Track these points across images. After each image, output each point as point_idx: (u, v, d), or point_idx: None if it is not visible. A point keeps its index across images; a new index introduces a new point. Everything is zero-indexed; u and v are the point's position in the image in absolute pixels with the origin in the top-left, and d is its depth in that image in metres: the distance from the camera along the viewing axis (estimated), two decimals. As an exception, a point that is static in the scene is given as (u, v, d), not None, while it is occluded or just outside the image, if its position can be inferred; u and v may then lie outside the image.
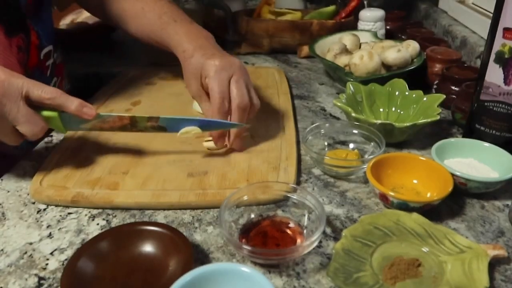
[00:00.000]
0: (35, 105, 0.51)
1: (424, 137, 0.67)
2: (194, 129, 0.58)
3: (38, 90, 0.50)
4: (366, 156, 0.60)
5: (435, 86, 0.77)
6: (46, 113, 0.52)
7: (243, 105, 0.58)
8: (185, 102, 0.68)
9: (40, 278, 0.43)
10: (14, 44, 0.61)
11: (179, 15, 0.69)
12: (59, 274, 0.43)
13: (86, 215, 0.51)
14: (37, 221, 0.50)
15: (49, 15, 0.70)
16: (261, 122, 0.69)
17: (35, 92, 0.50)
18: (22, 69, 0.62)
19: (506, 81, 0.55)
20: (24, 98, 0.49)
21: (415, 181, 0.54)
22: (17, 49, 0.61)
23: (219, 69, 0.58)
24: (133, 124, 0.57)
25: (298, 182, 0.57)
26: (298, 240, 0.46)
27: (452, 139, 0.59)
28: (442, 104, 0.65)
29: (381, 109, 0.71)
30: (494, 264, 0.44)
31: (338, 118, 0.74)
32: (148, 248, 0.44)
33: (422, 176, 0.54)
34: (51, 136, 0.67)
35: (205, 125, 0.58)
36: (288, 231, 0.47)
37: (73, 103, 0.52)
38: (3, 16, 0.59)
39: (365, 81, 0.73)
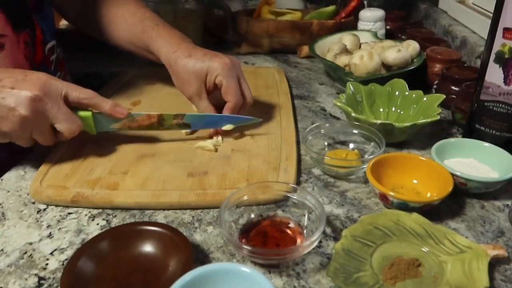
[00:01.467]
0: (71, 106, 0.55)
1: (424, 137, 0.67)
2: (229, 127, 0.63)
3: (76, 91, 0.55)
4: (366, 156, 0.60)
5: (435, 86, 0.77)
6: (81, 113, 0.57)
7: (251, 102, 0.65)
8: (185, 102, 0.68)
9: (40, 278, 0.43)
10: (22, 39, 0.62)
11: (162, 21, 0.72)
12: (59, 274, 0.43)
13: (86, 215, 0.51)
14: (37, 221, 0.50)
15: (51, 11, 0.71)
16: (261, 122, 0.69)
17: (73, 93, 0.54)
18: (29, 64, 0.63)
19: (506, 81, 0.55)
20: (63, 98, 0.53)
21: (415, 181, 0.54)
22: (24, 44, 0.62)
23: (231, 68, 0.62)
24: (160, 123, 0.61)
25: (298, 182, 0.57)
26: (298, 240, 0.46)
27: (452, 139, 0.59)
28: (442, 104, 0.65)
29: (381, 109, 0.71)
30: (494, 264, 0.44)
31: (338, 118, 0.74)
32: (148, 248, 0.44)
33: (422, 176, 0.54)
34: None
35: (228, 121, 0.63)
36: (288, 231, 0.47)
37: (107, 103, 0.57)
38: (11, 12, 0.60)
39: (365, 81, 0.73)
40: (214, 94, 0.65)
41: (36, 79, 0.52)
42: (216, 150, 0.61)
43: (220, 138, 0.63)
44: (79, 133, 0.56)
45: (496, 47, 0.55)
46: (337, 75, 0.84)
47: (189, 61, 0.63)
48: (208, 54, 0.63)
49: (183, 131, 0.65)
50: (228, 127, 0.63)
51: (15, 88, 0.50)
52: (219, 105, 0.65)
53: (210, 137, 0.64)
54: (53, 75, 0.69)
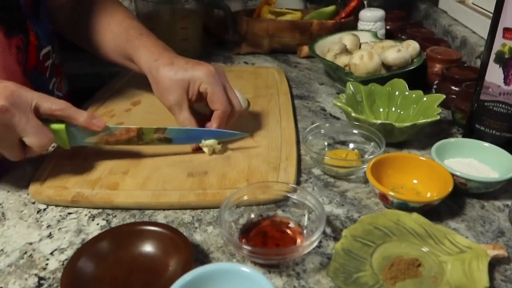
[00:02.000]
0: (42, 119, 0.50)
1: (424, 137, 0.67)
2: (211, 142, 0.59)
3: (48, 102, 0.50)
4: (366, 156, 0.60)
5: (435, 86, 0.77)
6: (54, 125, 0.52)
7: (240, 110, 0.62)
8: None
9: (40, 278, 0.43)
10: (13, 44, 0.61)
11: (147, 31, 0.70)
12: (59, 274, 0.43)
13: (86, 215, 0.51)
14: (37, 221, 0.50)
15: (47, 16, 0.70)
16: (261, 122, 0.69)
17: (45, 104, 0.50)
18: (20, 70, 0.62)
19: (506, 81, 0.55)
20: (33, 110, 0.49)
21: (415, 181, 0.54)
22: (16, 49, 0.61)
23: (215, 75, 0.60)
24: (139, 137, 0.57)
25: (298, 182, 0.57)
26: (298, 240, 0.46)
27: (452, 139, 0.59)
28: (442, 104, 0.65)
29: (381, 109, 0.71)
30: (494, 264, 0.44)
31: (338, 118, 0.74)
32: (148, 248, 0.44)
33: (422, 176, 0.54)
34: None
35: (212, 136, 0.59)
36: (288, 231, 0.47)
37: (82, 115, 0.52)
38: (3, 17, 0.59)
39: (365, 81, 0.73)
40: (196, 107, 0.64)
41: (3, 89, 0.47)
42: (211, 154, 0.60)
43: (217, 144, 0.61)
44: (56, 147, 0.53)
45: (496, 47, 0.55)
46: (337, 75, 0.84)
47: (171, 69, 0.61)
48: (191, 62, 0.61)
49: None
50: (211, 142, 0.59)
51: None
52: (202, 119, 0.62)
53: (195, 150, 0.61)
54: (47, 81, 0.69)
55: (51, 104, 0.50)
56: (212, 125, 0.60)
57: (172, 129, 0.58)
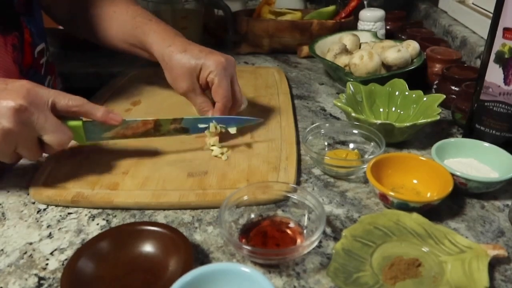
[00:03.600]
0: (59, 116, 0.50)
1: (424, 137, 0.67)
2: (232, 129, 0.60)
3: (65, 98, 0.50)
4: (366, 156, 0.60)
5: (435, 86, 0.77)
6: (71, 122, 0.52)
7: (241, 104, 0.65)
8: (185, 102, 0.68)
9: (40, 278, 0.43)
10: (9, 42, 0.60)
11: (153, 16, 0.70)
12: (59, 274, 0.43)
13: (86, 215, 0.51)
14: (37, 221, 0.50)
15: (40, 13, 0.70)
16: (261, 122, 0.69)
17: (62, 101, 0.50)
18: (17, 68, 0.62)
19: (506, 81, 0.55)
20: (50, 107, 0.49)
21: (415, 181, 0.54)
22: (12, 47, 0.61)
23: (226, 67, 0.61)
24: (156, 129, 0.57)
25: (298, 182, 0.57)
26: (298, 240, 0.46)
27: (452, 139, 0.59)
28: (442, 104, 0.65)
29: (381, 109, 0.71)
30: (494, 264, 0.44)
31: (338, 118, 0.74)
32: (148, 248, 0.44)
33: (422, 176, 0.54)
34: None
35: (227, 122, 0.60)
36: (288, 231, 0.47)
37: (99, 110, 0.53)
38: None
39: (365, 81, 0.73)
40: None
41: (19, 87, 0.47)
42: (222, 154, 0.60)
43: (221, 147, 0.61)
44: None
45: (496, 47, 0.55)
46: (337, 75, 0.84)
47: (184, 56, 0.61)
48: (204, 51, 0.62)
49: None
50: (231, 130, 0.61)
51: None
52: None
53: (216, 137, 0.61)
54: (43, 79, 0.69)
55: (68, 100, 0.50)
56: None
57: (189, 118, 0.58)
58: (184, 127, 0.59)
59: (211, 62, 0.60)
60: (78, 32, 0.79)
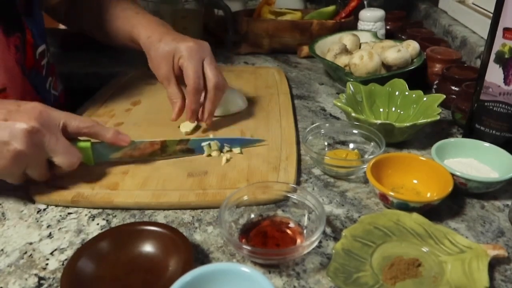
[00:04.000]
0: (68, 137, 0.51)
1: (424, 137, 0.67)
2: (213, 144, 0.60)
3: (75, 120, 0.51)
4: (366, 156, 0.60)
5: (435, 86, 0.77)
6: (81, 144, 0.53)
7: (220, 85, 0.63)
8: (185, 102, 0.69)
9: (40, 278, 0.43)
10: (12, 43, 0.60)
11: (141, 9, 0.74)
12: (59, 274, 0.43)
13: (86, 215, 0.51)
14: (37, 221, 0.50)
15: (41, 14, 0.70)
16: (261, 122, 0.69)
17: (73, 123, 0.51)
18: (20, 69, 0.62)
19: (506, 81, 0.55)
20: (61, 129, 0.50)
21: (415, 181, 0.54)
22: (15, 48, 0.61)
23: (194, 51, 0.62)
24: (163, 149, 0.58)
25: (298, 182, 0.57)
26: (298, 240, 0.46)
27: (452, 139, 0.59)
28: (442, 104, 0.65)
29: (381, 109, 0.71)
30: (494, 264, 0.44)
31: (338, 118, 0.74)
32: (148, 248, 0.44)
33: (422, 176, 0.54)
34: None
35: (232, 143, 0.61)
36: (288, 231, 0.47)
37: (109, 131, 0.53)
38: (1, 15, 0.59)
39: (365, 81, 0.73)
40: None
41: (31, 109, 0.47)
42: (228, 161, 0.59)
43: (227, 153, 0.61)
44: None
45: (496, 47, 0.55)
46: (337, 75, 0.84)
47: (160, 45, 0.64)
48: (177, 39, 0.64)
49: (183, 130, 0.65)
50: (235, 150, 0.61)
51: (9, 120, 0.45)
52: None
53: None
54: (44, 80, 0.69)
55: (78, 122, 0.51)
56: (186, 100, 0.63)
57: (195, 140, 0.60)
58: (190, 148, 0.60)
59: (182, 48, 0.62)
60: (77, 29, 0.83)
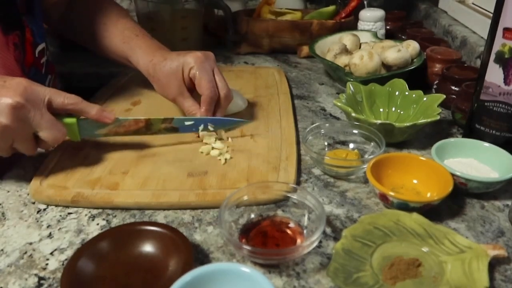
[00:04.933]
0: (54, 113, 0.52)
1: (424, 137, 0.67)
2: (208, 131, 0.61)
3: (60, 97, 0.52)
4: (366, 156, 0.60)
5: (435, 86, 0.77)
6: (66, 119, 0.54)
7: (228, 95, 0.64)
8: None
9: (40, 278, 0.43)
10: (11, 41, 0.61)
11: (141, 31, 0.73)
12: (59, 274, 0.43)
13: (86, 215, 0.51)
14: (37, 221, 0.50)
15: (41, 13, 0.71)
16: (261, 122, 0.69)
17: (58, 99, 0.52)
18: (19, 67, 0.62)
19: (506, 81, 0.55)
20: (46, 105, 0.51)
21: (415, 181, 0.54)
22: (13, 46, 0.61)
23: (203, 60, 0.63)
24: (147, 127, 0.60)
25: (298, 182, 0.57)
26: (298, 240, 0.46)
27: (452, 139, 0.59)
28: (442, 104, 0.65)
29: (381, 109, 0.71)
30: (494, 264, 0.44)
31: (338, 118, 0.74)
32: (148, 248, 0.44)
33: (422, 176, 0.54)
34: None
35: (216, 123, 0.62)
36: (288, 231, 0.47)
37: (93, 108, 0.55)
38: (1, 13, 0.59)
39: (365, 81, 0.73)
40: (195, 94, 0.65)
41: (17, 85, 0.48)
42: (220, 154, 0.60)
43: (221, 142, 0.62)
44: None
45: (496, 47, 0.55)
46: (337, 75, 0.84)
47: (166, 63, 0.64)
48: (182, 53, 0.65)
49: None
50: (220, 132, 0.62)
51: None
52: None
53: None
54: (44, 78, 0.70)
55: (63, 98, 0.52)
56: (201, 109, 0.63)
57: (179, 118, 0.60)
58: (174, 127, 0.61)
59: (190, 59, 0.63)
60: (70, 37, 0.81)
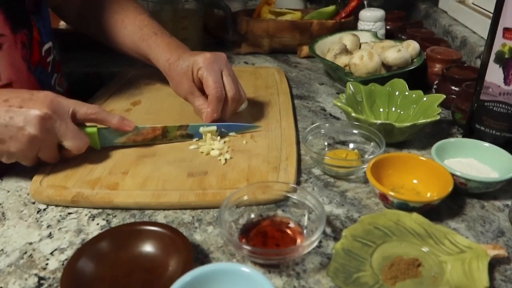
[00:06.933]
0: (77, 123, 0.55)
1: (424, 137, 0.67)
2: (211, 129, 0.62)
3: (83, 107, 0.55)
4: (366, 156, 0.60)
5: (435, 86, 0.77)
6: (88, 129, 0.58)
7: (236, 97, 0.65)
8: (185, 102, 0.69)
9: (40, 278, 0.43)
10: (19, 40, 0.61)
11: (160, 29, 0.74)
12: (59, 274, 0.43)
13: (86, 215, 0.51)
14: (37, 221, 0.50)
15: (48, 12, 0.71)
16: (261, 122, 0.69)
17: (81, 110, 0.55)
18: (26, 65, 0.63)
19: (506, 81, 0.55)
20: (70, 115, 0.54)
21: (415, 181, 0.54)
22: (21, 45, 0.62)
23: (211, 61, 0.63)
24: (164, 135, 0.62)
25: (298, 182, 0.57)
26: (298, 240, 0.46)
27: (452, 139, 0.59)
28: (442, 104, 0.65)
29: (381, 109, 0.71)
30: (494, 264, 0.44)
31: (338, 118, 0.74)
32: (148, 248, 0.44)
33: (422, 176, 0.54)
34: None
35: (229, 129, 0.64)
36: (288, 231, 0.47)
37: (114, 117, 0.58)
38: (10, 12, 0.60)
39: (365, 81, 0.73)
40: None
41: (44, 97, 0.52)
42: (220, 154, 0.60)
43: (220, 142, 0.62)
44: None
45: (496, 47, 0.55)
46: (337, 75, 0.84)
47: (178, 63, 0.66)
48: (194, 53, 0.66)
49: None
50: (231, 133, 0.64)
51: (23, 107, 0.50)
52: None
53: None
54: (50, 76, 0.70)
55: (86, 109, 0.55)
56: (208, 109, 0.63)
57: (194, 125, 0.63)
58: (189, 133, 0.63)
59: (199, 60, 0.64)
60: (87, 32, 0.82)
